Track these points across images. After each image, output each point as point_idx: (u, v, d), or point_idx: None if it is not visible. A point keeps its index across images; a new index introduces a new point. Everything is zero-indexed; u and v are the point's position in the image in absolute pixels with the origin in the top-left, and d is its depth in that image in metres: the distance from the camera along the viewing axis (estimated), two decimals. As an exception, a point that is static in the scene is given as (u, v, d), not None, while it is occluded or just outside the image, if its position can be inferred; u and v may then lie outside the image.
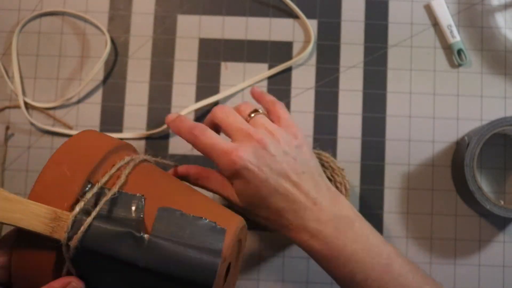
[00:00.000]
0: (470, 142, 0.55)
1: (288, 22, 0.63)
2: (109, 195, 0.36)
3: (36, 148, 0.61)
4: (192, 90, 0.62)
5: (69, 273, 0.36)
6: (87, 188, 0.36)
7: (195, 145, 0.46)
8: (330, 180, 0.55)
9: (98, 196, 0.36)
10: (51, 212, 0.34)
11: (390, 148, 0.60)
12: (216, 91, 0.62)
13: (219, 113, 0.47)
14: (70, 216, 0.34)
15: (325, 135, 0.61)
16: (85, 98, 0.62)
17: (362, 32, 0.62)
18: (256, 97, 0.52)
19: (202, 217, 0.37)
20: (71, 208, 0.35)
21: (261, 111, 0.48)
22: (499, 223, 0.59)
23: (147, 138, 0.61)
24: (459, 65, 0.61)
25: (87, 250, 0.35)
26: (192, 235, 0.36)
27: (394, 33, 0.62)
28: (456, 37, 0.61)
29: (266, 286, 0.59)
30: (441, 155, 0.60)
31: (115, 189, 0.36)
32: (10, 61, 0.63)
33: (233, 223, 0.39)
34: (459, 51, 0.61)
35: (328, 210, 0.42)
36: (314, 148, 0.59)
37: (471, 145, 0.55)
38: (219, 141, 0.44)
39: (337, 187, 0.55)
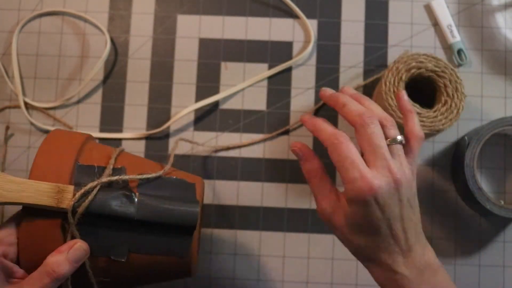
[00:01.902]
0: (470, 142, 0.55)
1: (288, 22, 0.63)
2: (106, 171, 0.44)
3: (36, 148, 0.61)
4: (192, 90, 0.62)
5: (73, 238, 0.41)
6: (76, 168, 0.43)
7: (331, 151, 0.43)
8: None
9: (88, 172, 0.43)
10: (54, 187, 0.40)
11: (390, 148, 0.60)
12: (216, 91, 0.62)
13: (368, 121, 0.43)
14: (72, 188, 0.41)
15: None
16: (85, 98, 0.62)
17: (362, 32, 0.62)
18: (403, 106, 0.47)
19: (173, 177, 0.46)
20: (69, 183, 0.41)
21: (399, 139, 0.44)
22: (499, 223, 0.59)
23: (147, 138, 0.61)
24: (459, 65, 0.61)
25: (90, 214, 0.41)
26: (170, 191, 0.45)
27: (394, 33, 0.62)
28: (456, 37, 0.61)
29: (266, 286, 0.59)
30: (441, 155, 0.60)
31: (110, 166, 0.44)
32: (10, 61, 0.63)
33: (198, 180, 0.47)
34: (459, 51, 0.61)
35: (419, 258, 0.43)
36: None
37: (471, 145, 0.55)
38: (359, 160, 0.42)
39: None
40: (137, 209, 0.42)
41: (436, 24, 0.62)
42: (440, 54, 0.61)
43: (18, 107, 0.62)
